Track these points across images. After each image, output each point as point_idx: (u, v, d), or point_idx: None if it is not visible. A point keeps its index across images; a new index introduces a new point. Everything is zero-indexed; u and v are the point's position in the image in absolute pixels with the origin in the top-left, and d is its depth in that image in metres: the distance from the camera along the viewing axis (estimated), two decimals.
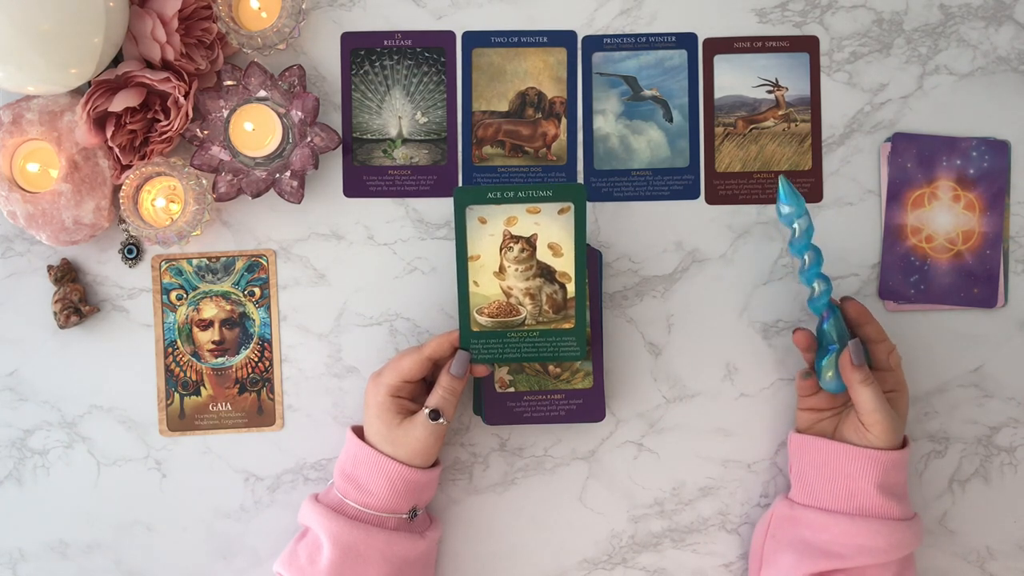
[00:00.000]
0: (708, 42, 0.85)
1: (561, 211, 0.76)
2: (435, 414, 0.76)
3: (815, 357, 0.79)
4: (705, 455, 0.85)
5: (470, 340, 0.78)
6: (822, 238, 0.85)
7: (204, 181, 0.82)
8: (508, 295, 0.78)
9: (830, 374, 0.77)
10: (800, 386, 0.80)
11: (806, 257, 0.77)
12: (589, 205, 0.85)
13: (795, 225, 0.76)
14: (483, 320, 0.78)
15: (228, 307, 0.85)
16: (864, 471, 0.76)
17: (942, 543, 0.85)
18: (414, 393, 0.79)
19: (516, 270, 0.77)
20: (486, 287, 0.77)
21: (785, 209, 0.76)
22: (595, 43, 0.85)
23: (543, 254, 0.77)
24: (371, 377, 0.79)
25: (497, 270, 0.77)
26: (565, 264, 0.77)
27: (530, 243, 0.77)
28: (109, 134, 0.79)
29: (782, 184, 0.76)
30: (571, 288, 0.78)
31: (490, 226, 0.76)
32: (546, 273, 0.77)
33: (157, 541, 0.85)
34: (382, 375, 0.78)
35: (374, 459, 0.76)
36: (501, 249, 0.77)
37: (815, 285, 0.77)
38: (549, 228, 0.76)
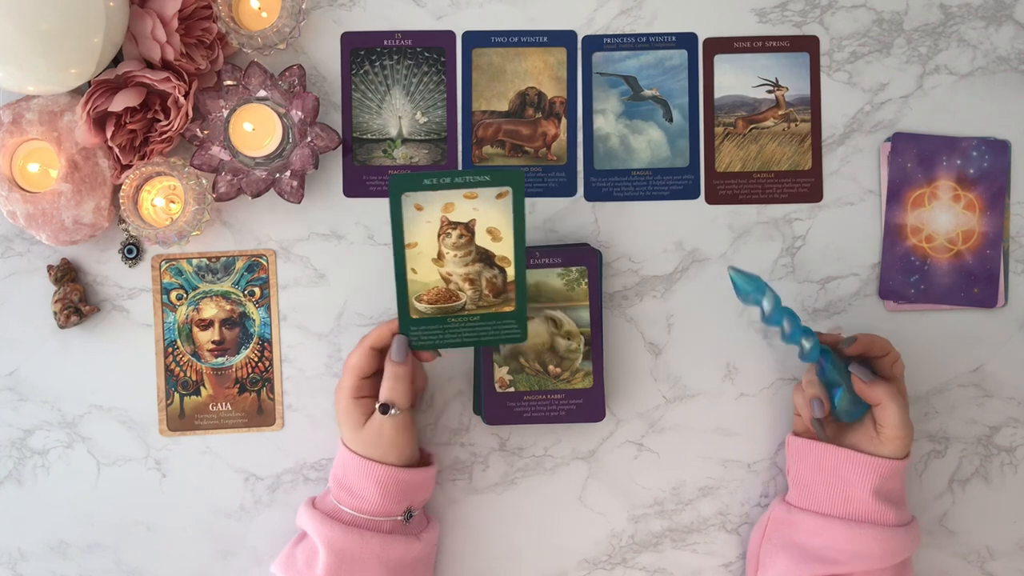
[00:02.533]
0: (708, 42, 0.85)
1: (499, 196, 0.74)
2: (384, 408, 0.75)
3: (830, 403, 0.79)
4: (705, 455, 0.85)
5: (409, 327, 0.77)
6: (822, 238, 0.85)
7: (204, 181, 0.82)
8: (447, 281, 0.76)
9: (847, 406, 0.77)
10: (818, 432, 0.79)
11: (784, 324, 0.75)
12: (589, 204, 0.85)
13: (762, 304, 0.74)
14: (422, 307, 0.76)
15: (228, 307, 0.85)
16: (862, 477, 0.76)
17: (942, 543, 0.85)
18: (375, 389, 0.78)
19: (455, 256, 0.76)
20: (424, 274, 0.76)
21: (747, 297, 0.74)
22: (595, 43, 0.85)
23: (482, 239, 0.76)
24: (335, 389, 0.79)
25: (435, 257, 0.76)
26: (504, 248, 0.76)
27: (468, 229, 0.75)
28: (109, 134, 0.79)
29: (732, 276, 0.74)
30: (511, 272, 0.77)
31: (427, 213, 0.74)
32: (485, 258, 0.76)
33: (157, 541, 0.85)
34: (340, 381, 0.78)
35: (361, 464, 0.76)
36: (439, 235, 0.75)
37: (802, 343, 0.75)
38: (487, 213, 0.75)
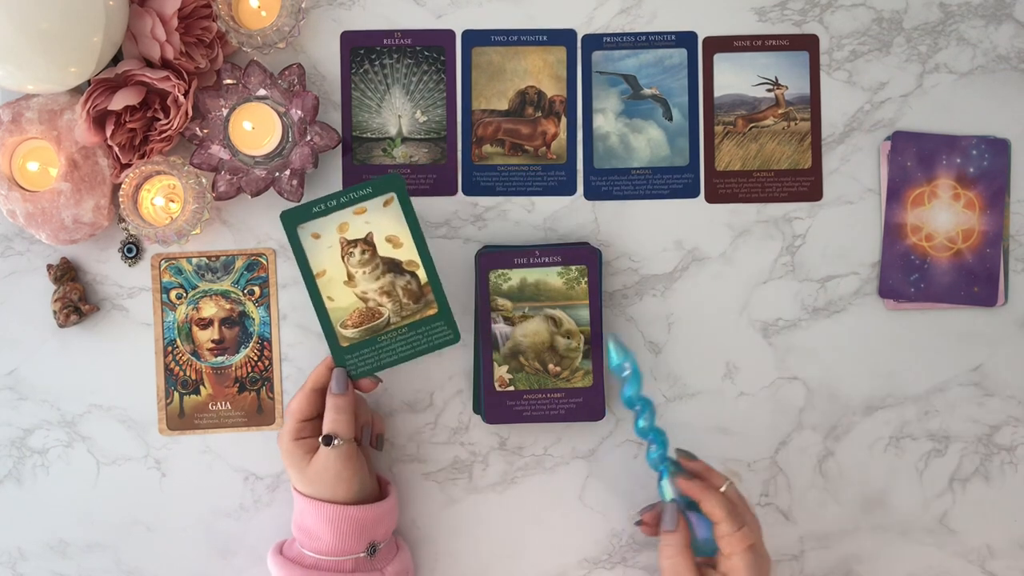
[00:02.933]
0: (708, 41, 0.85)
1: (386, 203, 0.76)
2: (327, 439, 0.75)
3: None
4: (705, 454, 0.85)
5: (343, 357, 0.77)
6: (822, 237, 0.85)
7: (204, 180, 0.82)
8: (365, 300, 0.77)
9: None
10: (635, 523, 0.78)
11: (636, 408, 0.75)
12: (589, 203, 0.85)
13: (626, 376, 0.75)
14: (350, 333, 0.77)
15: (228, 306, 0.85)
16: None
17: (942, 542, 0.85)
18: (318, 430, 0.77)
19: (364, 273, 0.77)
20: (341, 299, 0.77)
21: (614, 361, 0.76)
22: (595, 42, 0.85)
23: (384, 249, 0.77)
24: (277, 436, 0.79)
25: (346, 279, 0.77)
26: (408, 252, 0.77)
27: (368, 243, 0.76)
28: (109, 133, 0.79)
29: (610, 342, 0.76)
30: (422, 274, 0.77)
31: (325, 239, 0.76)
32: (394, 267, 0.77)
33: (157, 540, 0.85)
34: (283, 426, 0.78)
35: (311, 506, 0.76)
36: (343, 257, 0.76)
37: (649, 440, 0.75)
38: (380, 223, 0.76)
